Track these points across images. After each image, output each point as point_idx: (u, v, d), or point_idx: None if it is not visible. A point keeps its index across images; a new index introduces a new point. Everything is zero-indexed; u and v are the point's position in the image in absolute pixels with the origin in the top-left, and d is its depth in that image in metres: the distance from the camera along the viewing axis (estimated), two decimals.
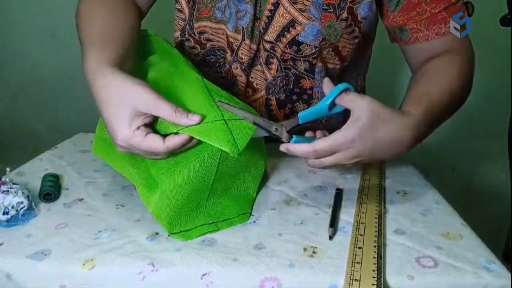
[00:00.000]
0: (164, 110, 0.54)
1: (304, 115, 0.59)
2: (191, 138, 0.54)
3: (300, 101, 0.86)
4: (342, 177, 0.73)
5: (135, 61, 0.66)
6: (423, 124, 0.61)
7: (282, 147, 0.58)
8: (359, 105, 0.56)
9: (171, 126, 0.55)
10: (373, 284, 0.44)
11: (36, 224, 0.58)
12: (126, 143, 0.54)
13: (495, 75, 1.48)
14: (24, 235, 0.55)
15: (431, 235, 0.55)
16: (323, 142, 0.56)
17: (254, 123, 0.57)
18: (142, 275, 0.48)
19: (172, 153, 0.56)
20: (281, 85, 0.83)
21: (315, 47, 0.77)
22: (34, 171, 0.74)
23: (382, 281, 0.46)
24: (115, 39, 0.64)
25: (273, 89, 0.84)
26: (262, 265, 0.49)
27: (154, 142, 0.53)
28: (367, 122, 0.55)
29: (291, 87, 0.84)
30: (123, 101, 0.54)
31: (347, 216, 0.60)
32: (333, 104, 0.58)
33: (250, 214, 0.61)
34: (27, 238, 0.54)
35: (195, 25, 0.82)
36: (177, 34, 0.86)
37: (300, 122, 0.60)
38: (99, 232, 0.56)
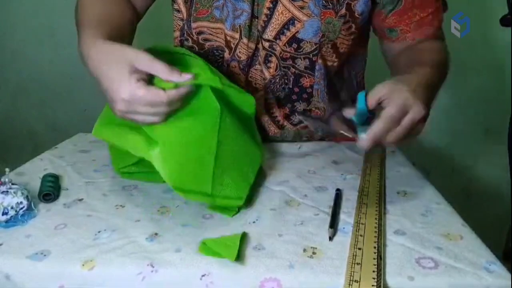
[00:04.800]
0: (158, 67, 0.57)
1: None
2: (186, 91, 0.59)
3: (300, 101, 0.86)
4: (342, 178, 0.73)
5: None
6: (427, 77, 0.66)
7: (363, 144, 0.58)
8: (379, 87, 0.59)
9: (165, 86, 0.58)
10: (373, 285, 0.44)
11: (36, 224, 0.58)
12: (130, 96, 0.55)
13: (495, 75, 1.48)
14: (24, 235, 0.55)
15: (431, 235, 0.55)
16: (388, 109, 0.57)
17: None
18: (141, 275, 0.48)
19: (171, 110, 0.59)
20: (280, 83, 0.83)
21: (315, 43, 0.78)
22: (34, 171, 0.74)
23: (382, 282, 0.46)
24: (111, 22, 0.69)
25: (272, 88, 0.84)
26: (262, 266, 0.49)
27: (157, 93, 0.56)
28: (393, 83, 0.60)
29: (291, 86, 0.84)
30: (119, 60, 0.57)
31: (347, 216, 0.60)
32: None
33: (245, 201, 0.62)
34: (27, 238, 0.54)
35: (193, 25, 0.82)
36: (177, 33, 0.87)
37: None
38: (99, 232, 0.56)
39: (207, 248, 0.51)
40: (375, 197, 0.64)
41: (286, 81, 0.83)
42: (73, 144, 0.91)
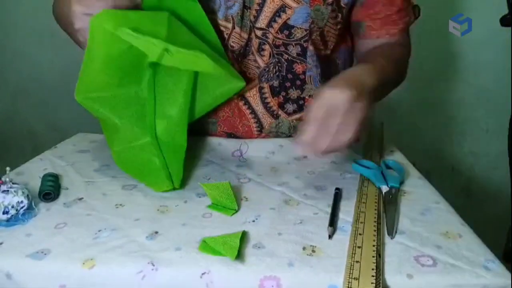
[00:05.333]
0: None
1: None
2: None
3: (293, 87, 0.87)
4: (341, 177, 0.73)
5: None
6: (371, 68, 0.68)
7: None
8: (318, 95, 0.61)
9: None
10: (372, 283, 0.45)
11: (36, 223, 0.58)
12: None
13: (495, 75, 1.49)
14: (24, 234, 0.55)
15: (430, 234, 0.55)
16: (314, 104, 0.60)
17: None
18: (142, 274, 0.48)
19: None
20: (274, 71, 0.85)
21: (306, 30, 0.81)
22: (34, 171, 0.74)
23: (381, 280, 0.46)
24: None
25: (266, 76, 0.85)
26: (261, 265, 0.49)
27: None
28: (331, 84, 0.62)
29: (284, 73, 0.85)
30: None
31: (346, 215, 0.60)
32: None
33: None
34: (27, 237, 0.54)
35: None
36: None
37: None
38: (99, 231, 0.56)
39: (208, 246, 0.51)
40: (374, 196, 0.64)
41: (279, 68, 0.85)
42: (73, 144, 0.91)
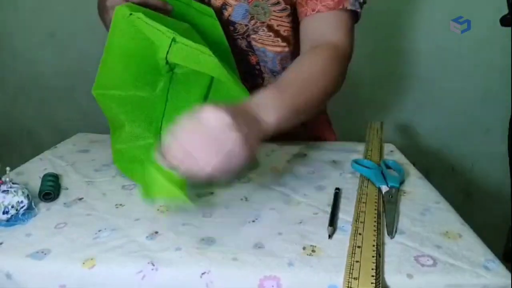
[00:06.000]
0: None
1: None
2: None
3: (255, 76, 0.90)
4: (341, 177, 0.73)
5: None
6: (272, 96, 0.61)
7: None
8: None
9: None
10: (372, 283, 0.44)
11: (36, 223, 0.58)
12: None
13: (495, 75, 1.48)
14: (24, 234, 0.55)
15: (430, 234, 0.55)
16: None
17: None
18: (142, 274, 0.48)
19: None
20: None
21: (246, 25, 0.83)
22: (34, 171, 0.74)
23: (381, 280, 0.46)
24: None
25: None
26: (261, 264, 0.49)
27: None
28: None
29: (242, 64, 0.87)
30: None
31: (346, 215, 0.60)
32: None
33: None
34: (27, 237, 0.54)
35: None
36: None
37: None
38: (99, 231, 0.56)
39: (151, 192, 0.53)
40: (374, 196, 0.64)
41: (238, 59, 0.85)
42: (73, 144, 0.91)
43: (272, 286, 0.47)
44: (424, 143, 1.60)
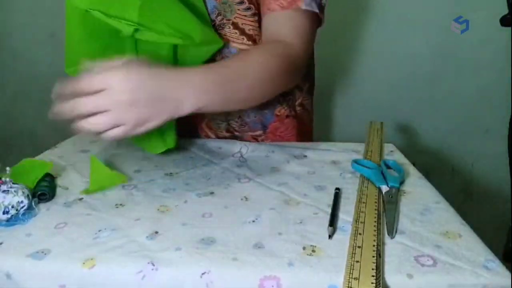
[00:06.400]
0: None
1: None
2: None
3: None
4: (341, 177, 0.73)
5: None
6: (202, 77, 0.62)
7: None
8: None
9: None
10: (372, 283, 0.44)
11: (36, 223, 0.58)
12: None
13: (495, 75, 1.48)
14: (24, 234, 0.55)
15: (430, 234, 0.55)
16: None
17: None
18: (142, 274, 0.48)
19: None
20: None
21: (213, 20, 0.84)
22: None
23: (381, 280, 0.46)
24: None
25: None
26: (261, 264, 0.49)
27: None
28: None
29: (216, 58, 0.86)
30: None
31: (346, 215, 0.60)
32: None
33: None
34: (27, 237, 0.54)
35: None
36: None
37: None
38: (99, 231, 0.56)
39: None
40: (374, 196, 0.64)
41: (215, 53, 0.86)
42: (73, 144, 0.91)
43: (272, 286, 0.47)
44: (424, 143, 1.60)
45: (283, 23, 0.78)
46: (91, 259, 0.50)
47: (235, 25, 0.84)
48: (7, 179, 0.60)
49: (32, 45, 1.61)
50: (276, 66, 0.72)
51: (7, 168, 0.62)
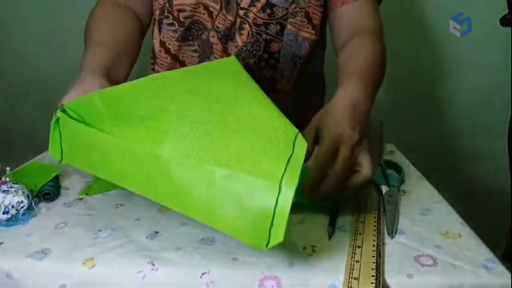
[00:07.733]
0: None
1: None
2: None
3: (268, 67, 0.90)
4: None
5: (129, 64, 0.81)
6: (361, 87, 0.67)
7: None
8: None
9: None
10: (372, 283, 0.45)
11: (36, 223, 0.58)
12: None
13: (495, 75, 1.48)
14: (24, 234, 0.55)
15: (430, 234, 0.55)
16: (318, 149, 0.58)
17: None
18: (142, 274, 0.48)
19: None
20: (251, 50, 0.87)
21: (286, 8, 0.84)
22: None
23: (381, 280, 0.46)
24: (112, 48, 0.77)
25: (243, 55, 0.87)
26: (261, 264, 0.49)
27: None
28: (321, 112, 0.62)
29: (261, 53, 0.88)
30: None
31: (346, 215, 0.60)
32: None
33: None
34: (27, 237, 0.54)
35: (174, 2, 0.86)
36: (157, 13, 0.90)
37: None
38: (99, 231, 0.56)
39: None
40: (374, 196, 0.64)
41: (257, 47, 0.87)
42: None
43: (272, 286, 0.47)
44: (424, 143, 1.60)
45: (365, 10, 0.84)
46: (91, 259, 0.50)
47: (306, 14, 0.86)
48: (7, 179, 0.60)
49: (33, 45, 1.61)
50: (383, 53, 0.79)
51: (7, 168, 0.62)
